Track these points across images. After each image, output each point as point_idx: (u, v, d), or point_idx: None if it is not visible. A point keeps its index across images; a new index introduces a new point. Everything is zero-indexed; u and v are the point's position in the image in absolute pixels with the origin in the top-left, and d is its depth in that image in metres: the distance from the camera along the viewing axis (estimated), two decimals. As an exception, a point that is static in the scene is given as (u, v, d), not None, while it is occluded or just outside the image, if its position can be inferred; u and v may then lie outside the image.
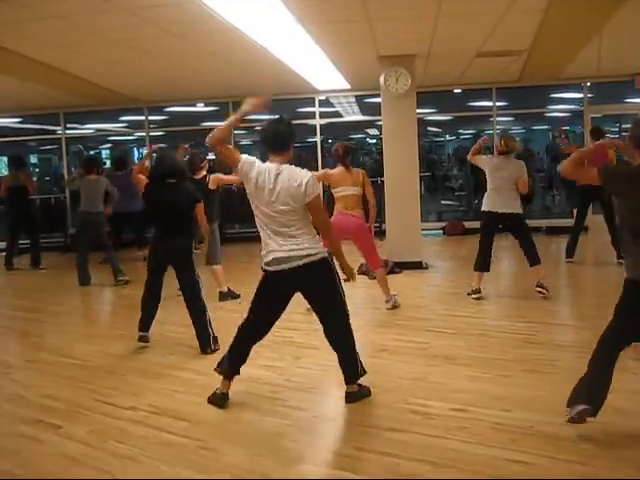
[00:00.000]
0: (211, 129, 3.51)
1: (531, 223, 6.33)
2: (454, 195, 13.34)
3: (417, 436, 3.14)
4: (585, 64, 8.69)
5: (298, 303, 3.72)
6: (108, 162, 13.20)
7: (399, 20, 6.00)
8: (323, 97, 11.23)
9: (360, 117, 12.27)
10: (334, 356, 3.65)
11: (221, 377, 3.64)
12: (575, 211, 8.05)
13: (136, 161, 13.09)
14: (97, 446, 3.17)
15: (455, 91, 11.17)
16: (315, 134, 11.30)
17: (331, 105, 11.84)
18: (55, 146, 12.50)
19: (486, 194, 6.04)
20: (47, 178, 13.79)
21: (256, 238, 3.63)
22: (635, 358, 3.72)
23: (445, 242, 10.57)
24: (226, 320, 4.90)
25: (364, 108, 11.80)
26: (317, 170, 8.60)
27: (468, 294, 6.06)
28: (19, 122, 12.19)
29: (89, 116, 12.06)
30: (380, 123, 8.70)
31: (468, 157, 6.30)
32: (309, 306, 3.70)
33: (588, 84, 10.67)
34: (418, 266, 7.79)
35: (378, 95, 8.27)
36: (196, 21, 5.61)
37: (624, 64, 9.11)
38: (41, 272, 9.03)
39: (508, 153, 5.95)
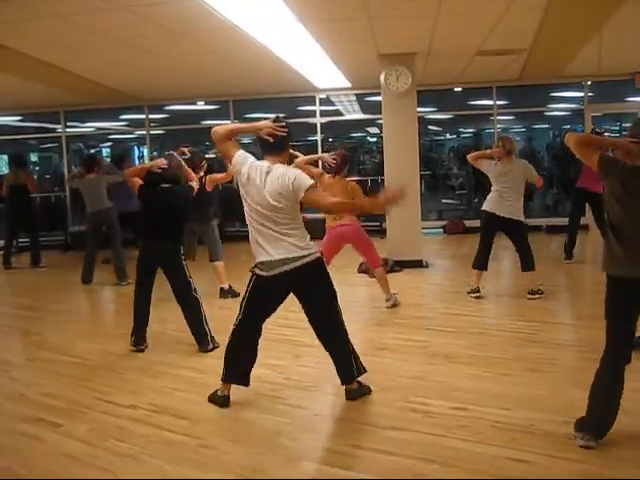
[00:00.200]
0: (211, 128, 3.50)
1: (531, 222, 6.34)
2: (455, 194, 13.33)
3: (417, 434, 3.14)
4: (585, 63, 8.68)
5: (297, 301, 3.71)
6: (108, 160, 13.17)
7: (399, 18, 6.00)
8: (324, 95, 11.23)
9: (361, 116, 12.26)
10: (333, 355, 3.65)
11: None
12: (570, 212, 8.04)
13: (136, 160, 13.09)
14: (97, 444, 3.18)
15: (455, 90, 11.14)
16: (316, 133, 11.31)
17: (332, 104, 11.83)
18: (55, 144, 12.49)
19: (490, 195, 6.01)
20: (47, 176, 13.78)
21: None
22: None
23: (445, 241, 10.56)
24: (226, 319, 4.88)
25: (365, 107, 11.79)
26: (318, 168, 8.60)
27: (468, 293, 6.07)
28: (19, 120, 12.18)
29: (89, 114, 12.05)
30: (381, 122, 8.70)
31: (468, 157, 6.22)
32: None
33: (589, 83, 10.66)
34: (418, 265, 7.79)
35: (379, 94, 8.27)
36: (196, 19, 5.60)
37: (624, 63, 9.10)
38: (41, 270, 9.03)
39: (508, 155, 5.89)
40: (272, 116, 3.51)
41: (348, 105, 12.15)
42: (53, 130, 12.00)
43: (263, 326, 3.62)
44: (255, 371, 4.00)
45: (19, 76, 7.71)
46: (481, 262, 6.03)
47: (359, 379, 3.65)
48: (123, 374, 4.32)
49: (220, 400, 3.60)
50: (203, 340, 4.67)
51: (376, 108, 9.23)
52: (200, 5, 5.09)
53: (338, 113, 12.12)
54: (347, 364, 3.60)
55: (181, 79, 9.06)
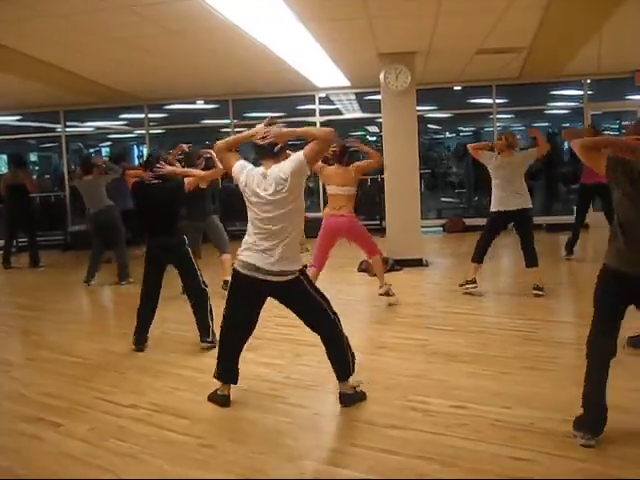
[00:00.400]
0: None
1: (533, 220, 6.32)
2: (454, 192, 13.33)
3: (417, 433, 3.15)
4: (585, 61, 8.68)
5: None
6: (107, 159, 13.16)
7: (399, 17, 6.00)
8: (323, 94, 11.23)
9: (360, 114, 12.27)
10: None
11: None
12: (575, 208, 8.06)
13: (136, 159, 13.09)
14: (98, 444, 3.18)
15: (455, 88, 11.15)
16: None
17: (331, 102, 11.82)
18: (55, 144, 12.49)
19: (493, 194, 6.01)
20: (47, 176, 13.77)
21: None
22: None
23: (445, 239, 10.56)
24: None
25: (364, 105, 11.79)
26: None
27: (461, 285, 6.08)
28: (19, 120, 12.18)
29: (89, 114, 12.05)
30: (380, 120, 8.69)
31: (468, 146, 6.24)
32: None
33: (588, 81, 10.66)
34: (418, 263, 7.79)
35: (378, 92, 8.26)
36: (196, 19, 5.61)
37: (624, 61, 9.10)
38: (40, 270, 9.03)
39: (510, 149, 5.91)
40: (270, 115, 3.52)
41: (348, 104, 12.14)
42: (53, 130, 12.00)
43: (254, 325, 3.59)
44: (256, 370, 4.02)
45: (19, 75, 7.71)
46: (481, 256, 6.05)
47: (355, 385, 3.61)
48: (124, 373, 4.32)
49: (220, 399, 3.61)
50: (205, 332, 4.69)
51: (375, 107, 9.23)
52: (200, 5, 5.10)
53: (338, 112, 12.12)
54: (341, 360, 3.57)
55: (181, 79, 9.06)
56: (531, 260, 5.94)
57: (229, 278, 6.48)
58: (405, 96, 7.78)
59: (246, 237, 3.46)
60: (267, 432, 3.29)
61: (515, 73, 9.72)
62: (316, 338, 3.62)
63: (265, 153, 3.41)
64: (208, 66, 8.20)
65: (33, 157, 14.31)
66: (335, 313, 3.56)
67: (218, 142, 3.59)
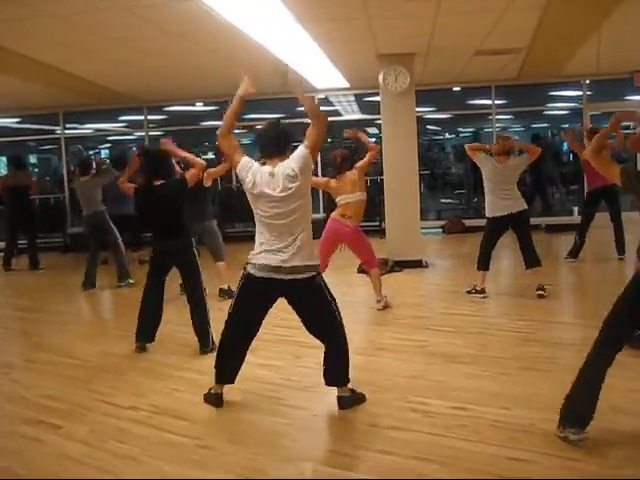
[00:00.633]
0: (210, 129, 3.52)
1: (531, 221, 6.32)
2: (453, 193, 13.34)
3: (416, 434, 3.15)
4: (584, 61, 8.69)
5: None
6: (108, 161, 13.17)
7: (399, 17, 6.00)
8: (322, 96, 11.23)
9: (359, 116, 12.27)
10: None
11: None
12: (581, 215, 8.02)
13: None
14: (98, 446, 3.18)
15: (454, 89, 11.16)
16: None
17: (330, 104, 11.83)
18: (54, 146, 12.50)
19: (487, 200, 6.02)
20: (47, 178, 13.78)
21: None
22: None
23: (445, 240, 10.57)
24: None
25: (363, 107, 11.80)
26: (317, 175, 8.63)
27: (468, 292, 6.05)
28: (18, 122, 12.19)
29: (88, 116, 12.06)
30: (379, 122, 8.70)
31: (466, 147, 6.22)
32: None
33: (587, 82, 10.67)
34: (418, 265, 7.80)
35: (377, 94, 8.27)
36: (195, 20, 5.61)
37: (623, 61, 9.10)
38: (40, 272, 9.03)
39: (507, 154, 5.90)
40: (270, 121, 3.51)
41: (347, 105, 12.16)
42: (52, 132, 12.01)
43: (257, 330, 3.56)
44: (255, 372, 4.02)
45: (18, 77, 7.72)
46: (487, 262, 6.04)
47: (353, 387, 3.60)
48: (124, 375, 4.32)
49: (213, 398, 3.59)
50: (205, 340, 4.68)
51: (375, 108, 9.23)
52: (198, 6, 5.10)
53: (337, 113, 12.12)
54: (340, 367, 3.55)
55: (180, 79, 9.07)
56: (532, 261, 5.93)
57: (226, 286, 6.48)
58: (404, 97, 7.79)
59: (257, 240, 3.40)
60: (266, 434, 3.29)
61: (514, 74, 9.73)
62: (316, 340, 3.62)
63: (270, 152, 3.40)
64: (208, 66, 8.21)
65: (33, 159, 14.31)
66: (341, 318, 3.53)
67: (218, 131, 3.49)
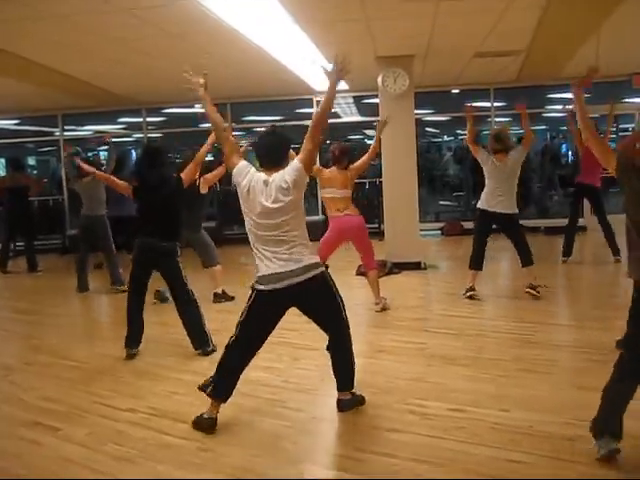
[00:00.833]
0: (209, 131, 3.51)
1: (529, 223, 6.35)
2: (452, 195, 13.34)
3: (415, 436, 3.15)
4: (583, 64, 8.60)
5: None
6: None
7: (397, 19, 5.99)
8: (321, 98, 11.21)
9: (358, 118, 12.27)
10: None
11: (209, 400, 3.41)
12: (570, 209, 8.09)
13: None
14: (96, 448, 3.18)
15: (453, 91, 11.17)
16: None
17: (329, 106, 11.81)
18: (53, 148, 12.48)
19: (484, 192, 6.05)
20: (45, 180, 13.76)
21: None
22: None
23: (443, 242, 10.57)
24: (226, 322, 4.88)
25: (362, 109, 11.80)
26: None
27: (463, 294, 6.06)
28: (17, 124, 12.18)
29: (87, 118, 12.04)
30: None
31: (467, 140, 6.24)
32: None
33: (586, 83, 10.66)
34: (417, 267, 7.80)
35: (376, 96, 8.27)
36: (194, 21, 5.61)
37: (622, 63, 9.11)
38: (38, 274, 9.01)
39: (505, 151, 5.89)
40: (267, 129, 3.50)
41: (346, 107, 12.15)
42: (51, 133, 11.99)
43: (262, 345, 3.48)
44: (254, 374, 4.00)
45: (17, 78, 7.71)
46: (478, 262, 6.05)
47: (353, 389, 3.58)
48: (122, 378, 4.32)
49: (207, 423, 3.34)
50: (203, 342, 4.66)
51: (374, 110, 9.23)
52: (197, 7, 5.10)
53: (335, 115, 12.11)
54: (346, 372, 3.55)
55: (180, 80, 9.04)
56: (526, 259, 5.94)
57: (220, 290, 6.41)
58: (403, 99, 7.79)
59: (257, 261, 3.31)
60: (265, 436, 3.29)
61: (513, 76, 9.74)
62: (315, 342, 3.62)
63: (267, 162, 3.34)
64: (207, 67, 8.18)
65: (31, 161, 14.29)
66: (347, 318, 3.54)
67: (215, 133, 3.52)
